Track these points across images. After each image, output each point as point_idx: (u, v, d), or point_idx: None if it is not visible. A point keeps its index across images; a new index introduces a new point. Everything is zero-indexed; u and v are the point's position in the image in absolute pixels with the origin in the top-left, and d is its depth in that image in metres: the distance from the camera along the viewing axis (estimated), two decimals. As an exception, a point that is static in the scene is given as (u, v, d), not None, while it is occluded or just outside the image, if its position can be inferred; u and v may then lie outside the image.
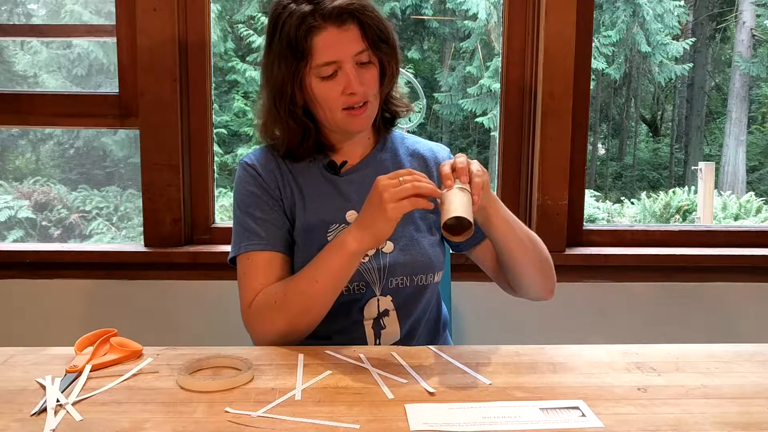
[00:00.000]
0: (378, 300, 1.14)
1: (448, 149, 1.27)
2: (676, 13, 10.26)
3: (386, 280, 1.13)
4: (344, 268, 1.02)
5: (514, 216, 1.10)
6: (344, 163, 1.18)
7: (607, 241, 1.77)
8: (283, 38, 1.05)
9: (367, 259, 1.12)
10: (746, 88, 11.25)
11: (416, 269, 1.14)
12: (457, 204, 0.92)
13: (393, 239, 1.13)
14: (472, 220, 0.91)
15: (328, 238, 1.12)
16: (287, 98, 1.10)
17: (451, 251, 1.37)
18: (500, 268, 1.19)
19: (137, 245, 1.71)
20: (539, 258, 1.13)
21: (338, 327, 1.14)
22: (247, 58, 9.27)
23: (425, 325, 1.21)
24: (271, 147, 1.20)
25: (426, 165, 1.22)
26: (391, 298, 1.14)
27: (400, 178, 0.95)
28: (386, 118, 1.22)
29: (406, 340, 1.16)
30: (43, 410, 0.81)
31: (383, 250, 1.14)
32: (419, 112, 1.77)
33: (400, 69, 1.17)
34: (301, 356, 0.99)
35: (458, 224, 0.92)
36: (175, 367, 0.94)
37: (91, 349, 0.98)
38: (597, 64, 9.76)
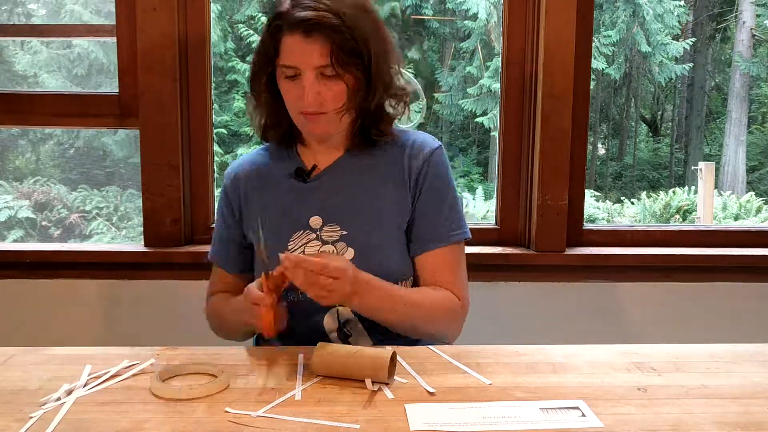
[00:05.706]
0: (337, 310, 1.11)
1: (439, 142, 1.20)
2: (676, 13, 10.26)
3: None
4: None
5: (392, 297, 1.08)
6: (314, 167, 1.18)
7: (607, 241, 1.77)
8: (266, 29, 1.10)
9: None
10: (746, 88, 11.26)
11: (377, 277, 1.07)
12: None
13: (352, 245, 1.10)
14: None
15: (289, 247, 1.13)
16: (261, 83, 1.13)
17: None
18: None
19: (137, 245, 1.70)
20: (422, 332, 1.13)
21: (304, 340, 1.06)
22: (247, 58, 9.26)
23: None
24: (249, 156, 1.24)
25: (402, 166, 1.16)
26: (350, 308, 1.09)
27: None
28: (371, 130, 1.16)
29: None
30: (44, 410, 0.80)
31: (344, 255, 1.10)
32: (419, 111, 1.77)
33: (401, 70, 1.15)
34: (301, 356, 0.99)
35: None
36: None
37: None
38: (597, 64, 9.76)
